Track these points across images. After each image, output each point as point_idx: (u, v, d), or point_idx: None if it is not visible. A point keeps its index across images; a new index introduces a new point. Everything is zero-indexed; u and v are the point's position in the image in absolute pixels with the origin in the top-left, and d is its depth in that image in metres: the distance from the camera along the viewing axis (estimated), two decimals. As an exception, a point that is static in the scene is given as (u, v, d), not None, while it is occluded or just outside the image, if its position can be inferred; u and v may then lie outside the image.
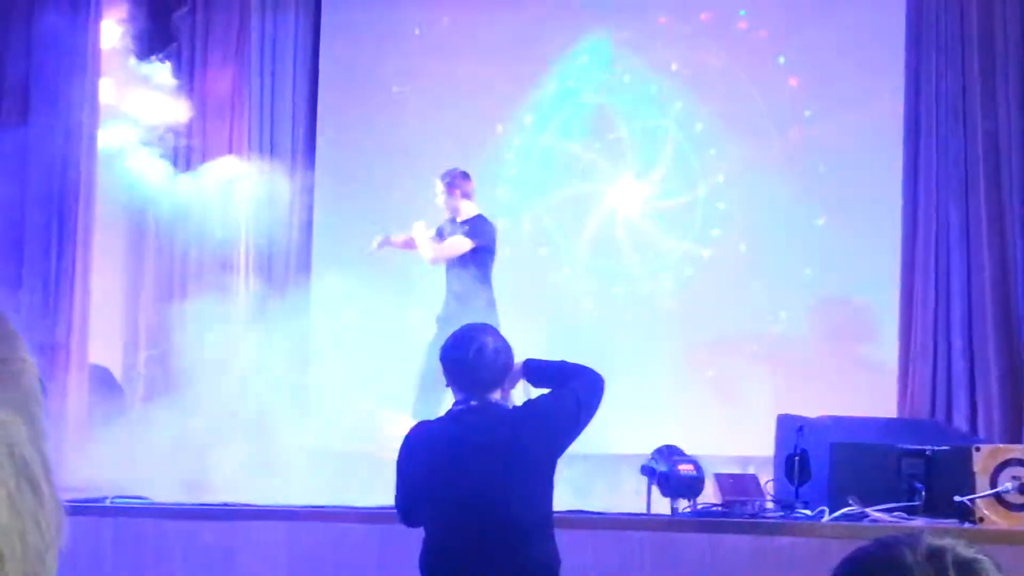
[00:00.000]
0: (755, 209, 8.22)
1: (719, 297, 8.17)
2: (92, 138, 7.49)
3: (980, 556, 1.37)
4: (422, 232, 7.18)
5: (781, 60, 8.33)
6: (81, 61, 7.31)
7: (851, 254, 8.06)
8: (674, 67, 8.44)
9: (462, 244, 7.03)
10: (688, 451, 5.79)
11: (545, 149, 8.49)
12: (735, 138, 8.31)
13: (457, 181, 7.20)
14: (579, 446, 6.65)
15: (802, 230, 8.13)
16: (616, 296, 8.38)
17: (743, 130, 8.30)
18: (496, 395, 3.72)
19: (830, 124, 8.21)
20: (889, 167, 7.92)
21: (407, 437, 3.81)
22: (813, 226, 8.15)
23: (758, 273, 8.14)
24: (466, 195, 7.20)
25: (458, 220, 7.20)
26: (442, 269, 7.25)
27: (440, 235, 7.30)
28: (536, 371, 3.85)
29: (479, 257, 7.09)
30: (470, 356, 3.69)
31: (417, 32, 8.63)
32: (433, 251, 7.08)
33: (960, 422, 7.41)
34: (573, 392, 3.79)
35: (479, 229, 7.11)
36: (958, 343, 7.57)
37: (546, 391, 3.82)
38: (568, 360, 3.97)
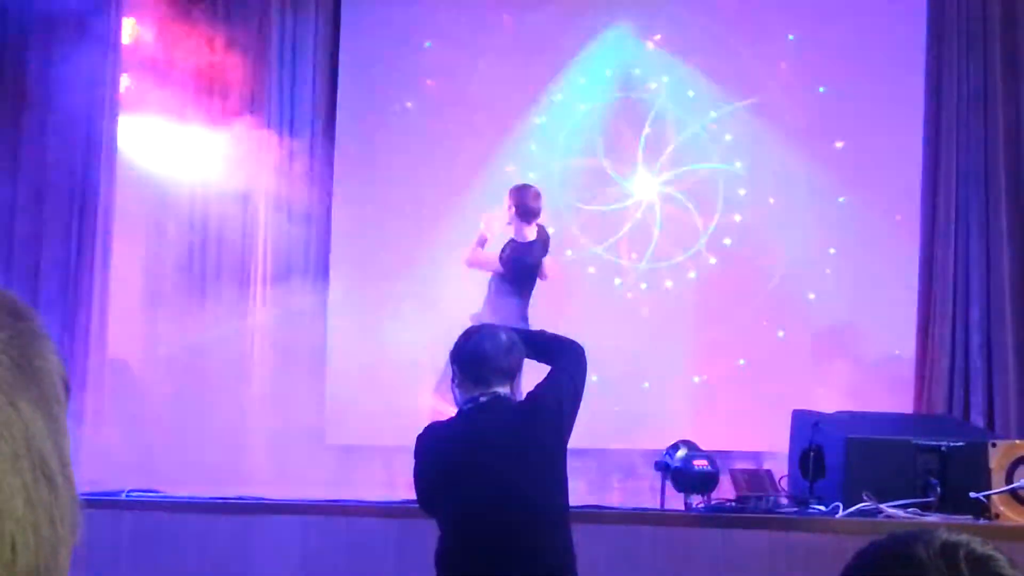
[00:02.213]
0: (772, 161, 8.19)
1: (759, 260, 8.13)
2: (112, 132, 7.52)
3: (994, 553, 1.36)
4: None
5: (791, 37, 8.29)
6: (102, 55, 7.34)
7: (870, 243, 8.01)
8: (654, 42, 8.39)
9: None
10: (703, 447, 5.79)
11: (560, 170, 8.42)
12: (732, 95, 8.26)
13: (529, 204, 6.89)
14: (594, 441, 6.68)
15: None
16: (668, 291, 8.31)
17: (736, 85, 8.24)
18: (506, 388, 3.72)
19: (847, 103, 8.16)
20: (908, 159, 7.90)
21: (419, 438, 3.81)
22: (833, 204, 8.16)
23: (790, 226, 8.10)
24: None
25: (528, 239, 6.91)
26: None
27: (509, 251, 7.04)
28: (526, 344, 3.86)
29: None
30: (484, 347, 3.70)
31: (437, 28, 8.58)
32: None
33: (977, 418, 7.39)
34: (567, 373, 3.83)
35: (548, 241, 7.07)
36: (976, 338, 7.54)
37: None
38: (546, 331, 4.04)
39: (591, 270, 8.35)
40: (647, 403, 7.90)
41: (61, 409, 0.75)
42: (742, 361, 8.09)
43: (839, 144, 8.19)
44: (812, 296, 8.14)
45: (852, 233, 8.07)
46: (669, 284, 8.32)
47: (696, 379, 8.12)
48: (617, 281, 8.34)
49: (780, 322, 8.16)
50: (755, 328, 8.11)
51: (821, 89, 8.24)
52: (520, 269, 6.89)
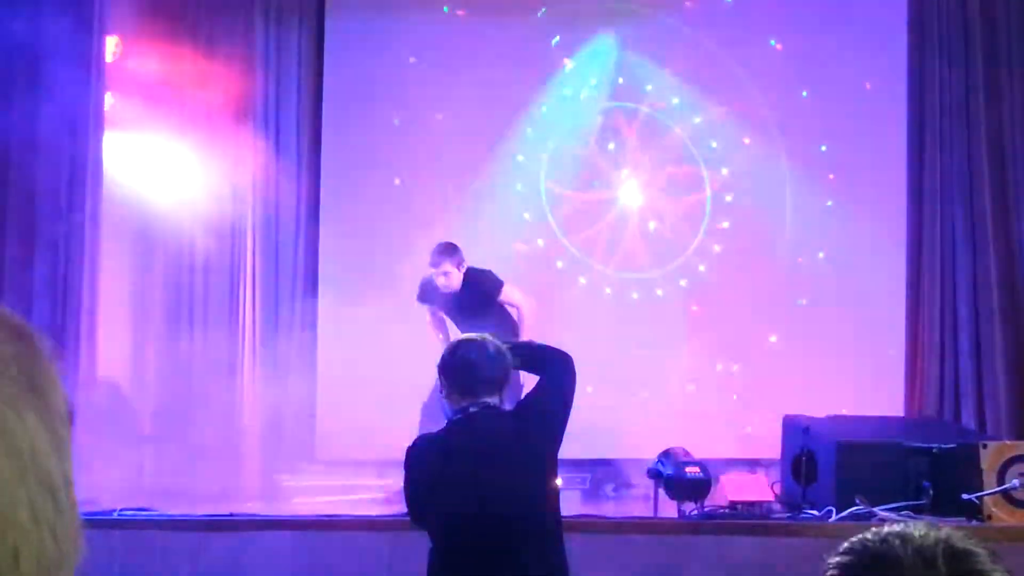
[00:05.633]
0: (757, 167, 8.17)
1: (748, 266, 8.12)
2: (97, 151, 7.50)
3: (974, 548, 1.36)
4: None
5: (772, 42, 8.29)
6: (86, 73, 7.33)
7: (858, 249, 7.99)
8: (635, 51, 8.39)
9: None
10: (696, 454, 5.79)
11: (549, 162, 8.40)
12: (716, 100, 8.25)
13: (458, 256, 6.85)
14: (587, 451, 6.66)
15: (809, 214, 8.14)
16: (659, 299, 8.27)
17: (719, 91, 8.22)
18: (495, 398, 3.71)
19: (832, 116, 8.16)
20: (893, 164, 7.92)
21: (408, 451, 3.80)
22: (822, 209, 8.14)
23: (779, 231, 8.10)
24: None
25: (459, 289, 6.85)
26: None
27: (443, 303, 7.01)
28: (514, 354, 3.84)
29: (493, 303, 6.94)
30: (471, 357, 3.68)
31: (440, 11, 8.53)
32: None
33: (968, 420, 7.40)
34: (556, 382, 3.81)
35: (491, 279, 6.90)
36: (965, 341, 7.56)
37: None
38: (534, 341, 4.04)
39: (583, 280, 8.31)
40: (640, 412, 7.87)
41: (66, 431, 0.76)
42: (735, 367, 8.07)
43: (823, 147, 8.20)
44: (803, 301, 8.12)
45: (841, 237, 8.06)
46: (660, 292, 8.29)
47: (689, 387, 8.09)
48: (608, 291, 8.31)
49: (771, 328, 8.14)
50: (746, 335, 8.10)
51: (804, 93, 8.24)
52: (454, 311, 6.89)
